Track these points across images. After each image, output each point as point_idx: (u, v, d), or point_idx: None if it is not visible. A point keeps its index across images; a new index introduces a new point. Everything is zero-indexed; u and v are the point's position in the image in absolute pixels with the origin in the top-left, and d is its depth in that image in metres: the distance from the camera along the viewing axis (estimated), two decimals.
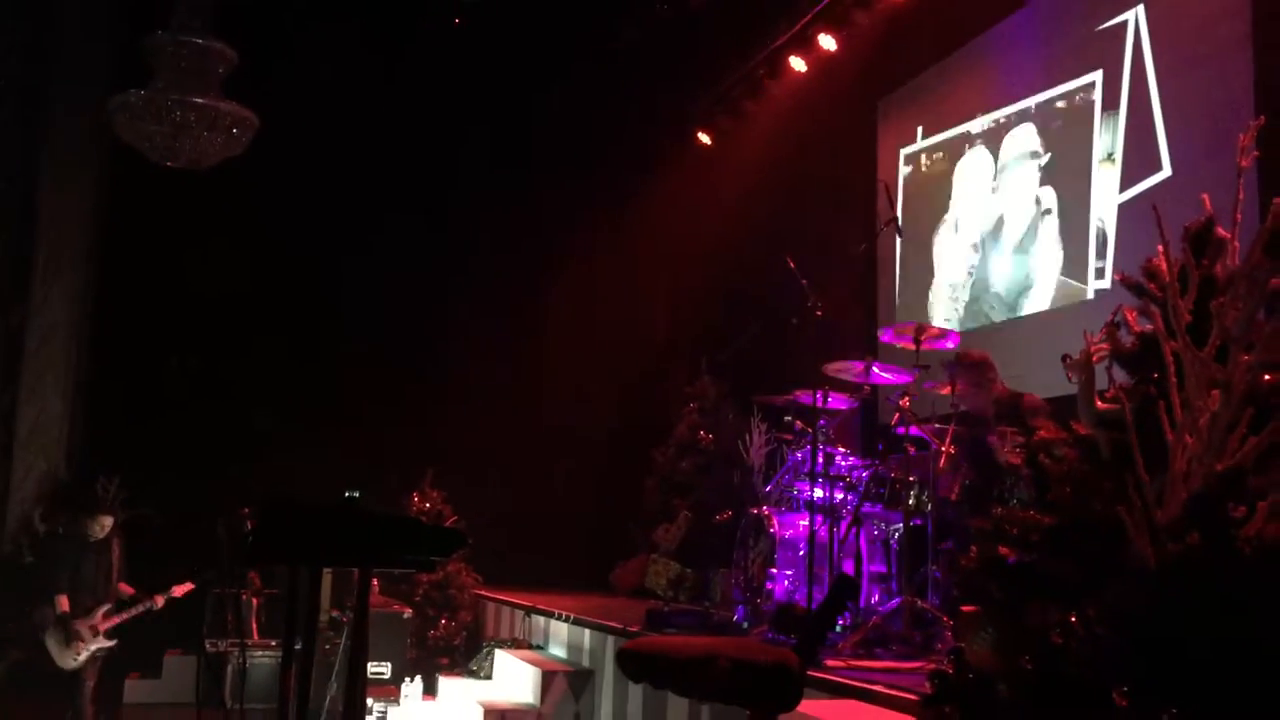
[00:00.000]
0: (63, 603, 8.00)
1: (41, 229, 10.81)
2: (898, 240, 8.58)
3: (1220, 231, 2.51)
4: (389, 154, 11.62)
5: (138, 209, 10.77)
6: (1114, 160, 7.32)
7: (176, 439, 10.35)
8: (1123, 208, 7.20)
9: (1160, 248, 2.55)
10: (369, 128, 11.46)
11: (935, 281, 9.13)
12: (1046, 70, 8.05)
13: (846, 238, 9.31)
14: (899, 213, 7.17)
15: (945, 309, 8.95)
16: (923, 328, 6.21)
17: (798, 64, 10.19)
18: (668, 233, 11.92)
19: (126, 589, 8.30)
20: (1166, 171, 6.86)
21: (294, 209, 11.06)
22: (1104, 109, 7.45)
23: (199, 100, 8.33)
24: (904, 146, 9.70)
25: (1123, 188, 7.22)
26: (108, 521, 8.39)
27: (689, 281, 11.92)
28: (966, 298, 8.79)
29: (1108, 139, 7.39)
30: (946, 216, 9.08)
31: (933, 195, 9.26)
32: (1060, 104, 7.92)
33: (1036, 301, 7.97)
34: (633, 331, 12.27)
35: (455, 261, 12.08)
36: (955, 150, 9.05)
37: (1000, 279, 8.43)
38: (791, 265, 6.57)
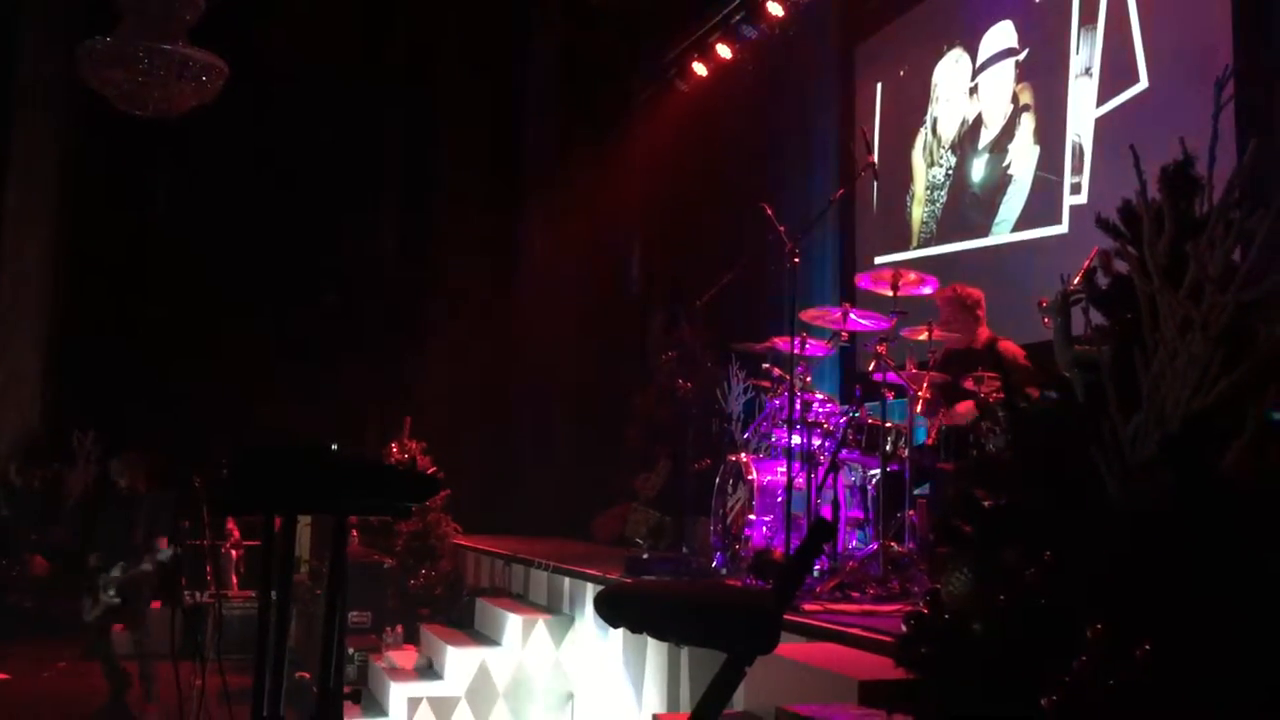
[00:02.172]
0: (92, 558, 7.94)
1: (10, 181, 10.69)
2: (874, 185, 8.55)
3: (1199, 170, 2.50)
4: (363, 102, 11.50)
5: (108, 159, 10.65)
6: (1091, 75, 7.29)
7: (152, 392, 10.29)
8: (1100, 121, 7.19)
9: (1137, 189, 2.54)
10: (343, 75, 11.32)
11: (914, 187, 9.12)
12: None
13: (823, 184, 9.27)
14: (875, 158, 7.13)
15: (924, 212, 8.95)
16: (900, 274, 6.20)
17: (775, 9, 10.10)
18: (645, 180, 11.84)
19: (163, 544, 8.03)
20: (1144, 83, 6.83)
21: (267, 157, 10.94)
22: (1081, 23, 7.40)
23: (166, 47, 8.19)
24: (880, 82, 9.66)
25: (1100, 101, 7.20)
26: (124, 470, 8.16)
27: (666, 229, 11.87)
28: (944, 199, 8.79)
29: (1085, 54, 7.35)
30: (925, 119, 9.06)
31: (911, 100, 9.24)
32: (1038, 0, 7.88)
33: (1014, 200, 7.98)
34: (610, 280, 12.23)
35: (432, 212, 11.98)
36: (933, 54, 9.01)
37: (978, 177, 8.43)
38: (768, 212, 6.54)
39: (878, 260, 9.24)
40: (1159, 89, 6.69)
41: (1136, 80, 6.87)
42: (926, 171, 9.01)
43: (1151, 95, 6.75)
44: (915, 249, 8.95)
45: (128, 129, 9.16)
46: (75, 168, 11.09)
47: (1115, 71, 7.07)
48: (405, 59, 11.67)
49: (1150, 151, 2.56)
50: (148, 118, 8.66)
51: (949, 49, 8.81)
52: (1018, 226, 7.96)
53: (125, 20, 8.23)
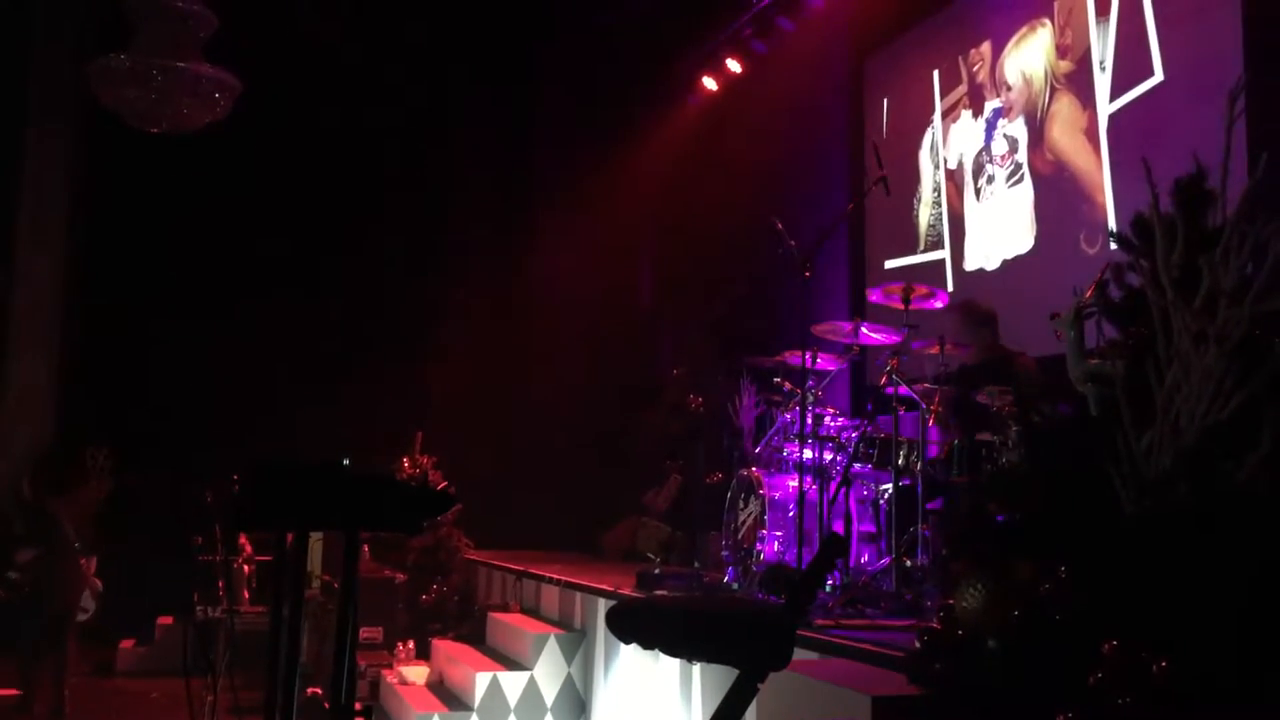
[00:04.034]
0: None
1: (23, 195, 10.74)
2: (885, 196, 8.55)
3: (1211, 182, 2.50)
4: (374, 114, 11.53)
5: (121, 174, 10.69)
6: (1104, 68, 7.22)
7: (165, 406, 10.32)
8: (1112, 118, 7.13)
9: (1150, 201, 2.53)
10: (353, 88, 11.36)
11: (921, 189, 9.11)
12: None
13: (835, 197, 9.27)
14: (885, 171, 7.13)
15: (930, 215, 8.93)
16: (911, 287, 6.19)
17: (786, 23, 10.12)
18: (655, 194, 11.84)
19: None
20: (1159, 76, 6.76)
21: (277, 171, 10.98)
22: (1096, 16, 7.34)
23: (180, 65, 8.21)
24: (890, 93, 9.65)
25: (1113, 96, 7.13)
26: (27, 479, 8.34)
27: (676, 243, 11.86)
28: (942, 183, 8.80)
29: (1099, 48, 7.29)
30: (932, 120, 9.03)
31: (918, 103, 9.21)
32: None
33: (1025, 183, 7.99)
34: (621, 295, 12.22)
35: (443, 225, 12.01)
36: (942, 61, 8.98)
37: (990, 152, 8.38)
38: (779, 227, 6.54)
39: (887, 265, 9.23)
40: (1175, 81, 6.59)
41: (1151, 73, 6.81)
42: (933, 174, 9.01)
43: (1167, 88, 6.65)
44: (922, 252, 8.94)
45: (139, 144, 9.19)
46: (87, 183, 11.14)
47: (1130, 63, 6.96)
48: (414, 73, 11.70)
49: (1162, 147, 2.56)
50: (160, 133, 8.68)
51: (958, 56, 8.79)
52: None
53: (138, 37, 8.26)
